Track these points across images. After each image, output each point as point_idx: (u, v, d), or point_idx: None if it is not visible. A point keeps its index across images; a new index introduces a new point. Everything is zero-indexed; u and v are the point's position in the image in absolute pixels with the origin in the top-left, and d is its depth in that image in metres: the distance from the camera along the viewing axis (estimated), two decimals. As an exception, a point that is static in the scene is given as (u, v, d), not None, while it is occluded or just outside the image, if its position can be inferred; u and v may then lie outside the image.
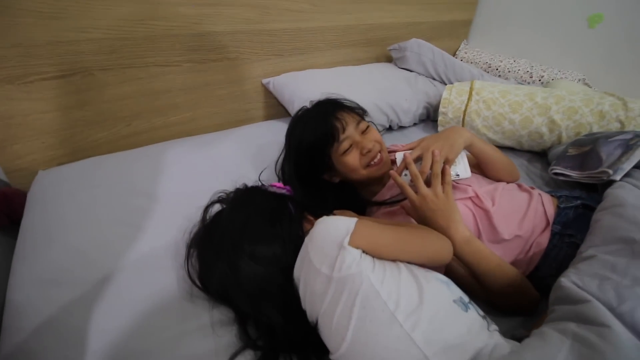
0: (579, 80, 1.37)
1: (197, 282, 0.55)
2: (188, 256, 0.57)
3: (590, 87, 1.35)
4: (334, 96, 0.74)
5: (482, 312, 0.45)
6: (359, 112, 0.72)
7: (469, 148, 0.69)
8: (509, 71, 1.52)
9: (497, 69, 1.55)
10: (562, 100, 0.94)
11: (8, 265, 0.80)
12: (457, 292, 0.45)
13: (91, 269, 0.57)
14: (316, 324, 0.45)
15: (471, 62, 1.64)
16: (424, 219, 0.56)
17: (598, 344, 0.32)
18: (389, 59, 1.39)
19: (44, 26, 0.73)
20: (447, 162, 0.61)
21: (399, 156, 0.65)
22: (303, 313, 0.48)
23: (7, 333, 0.50)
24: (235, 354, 0.47)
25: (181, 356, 0.46)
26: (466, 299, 0.45)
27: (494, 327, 0.42)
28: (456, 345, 0.37)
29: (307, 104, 0.76)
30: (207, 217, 0.59)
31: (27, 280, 0.55)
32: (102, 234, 0.64)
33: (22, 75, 0.75)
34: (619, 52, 1.29)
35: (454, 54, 1.73)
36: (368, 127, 0.70)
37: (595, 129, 0.90)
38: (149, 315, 0.51)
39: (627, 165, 0.64)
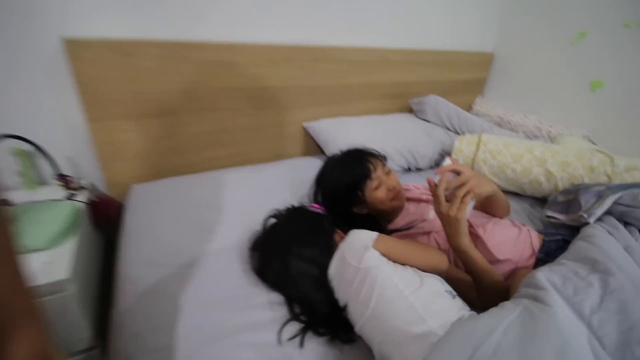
0: (584, 136, 1.55)
1: (260, 277, 0.75)
2: (250, 253, 0.78)
3: (595, 144, 1.53)
4: (360, 146, 0.96)
5: (465, 304, 0.62)
6: (381, 159, 0.94)
7: (490, 196, 0.85)
8: (520, 125, 1.72)
9: (509, 123, 1.76)
10: (557, 155, 1.13)
11: (102, 253, 1.04)
12: (448, 287, 0.63)
13: (179, 256, 0.79)
14: (346, 305, 0.64)
15: (485, 115, 1.86)
16: (443, 222, 0.73)
17: (538, 315, 0.49)
18: (411, 110, 1.64)
19: (153, 79, 1.02)
20: (473, 192, 0.77)
21: (447, 161, 0.77)
22: (332, 298, 0.67)
23: (122, 297, 0.71)
24: (286, 323, 0.66)
25: (249, 322, 0.66)
26: (454, 293, 0.62)
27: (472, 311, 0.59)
28: (444, 312, 0.55)
29: (339, 149, 0.99)
30: (266, 226, 0.81)
31: (134, 261, 0.78)
32: (184, 233, 0.86)
33: (133, 113, 1.03)
34: (618, 114, 1.48)
35: (470, 107, 1.97)
36: (390, 170, 0.92)
37: (587, 180, 1.08)
38: (224, 291, 0.71)
39: (599, 211, 0.81)
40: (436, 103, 1.51)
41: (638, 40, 1.38)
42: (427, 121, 1.55)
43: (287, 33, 1.22)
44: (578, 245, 0.69)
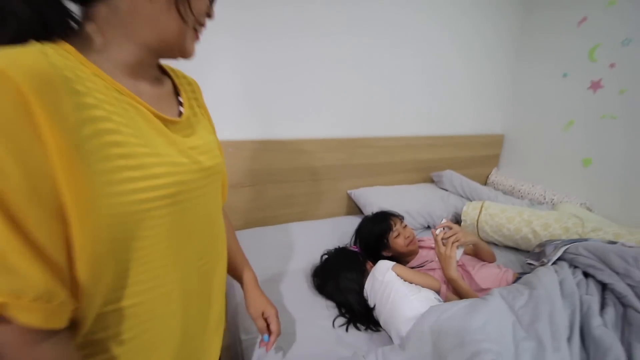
0: (581, 204, 1.89)
1: (319, 291, 1.22)
2: (313, 278, 1.26)
3: (591, 210, 1.86)
4: (386, 209, 1.45)
5: None
6: (401, 218, 1.41)
7: (474, 245, 1.30)
8: (528, 193, 2.10)
9: (519, 191, 2.15)
10: (541, 218, 1.52)
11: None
12: (438, 297, 1.04)
13: (264, 275, 1.28)
14: (374, 306, 1.07)
15: (500, 184, 2.27)
16: (439, 259, 1.16)
17: (481, 303, 0.90)
18: (432, 181, 2.11)
19: (250, 163, 1.62)
20: (460, 241, 1.20)
21: (444, 221, 1.22)
22: (366, 304, 1.10)
23: (232, 296, 1.20)
24: (336, 317, 1.10)
25: (314, 315, 1.11)
26: (441, 300, 1.03)
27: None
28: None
29: (372, 211, 1.48)
30: (322, 260, 1.29)
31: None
32: (266, 262, 1.36)
33: (236, 184, 1.62)
34: (607, 185, 1.83)
35: (487, 177, 2.39)
36: (406, 225, 1.38)
37: (564, 237, 1.44)
38: (297, 298, 1.18)
39: (553, 258, 1.19)
40: (451, 176, 1.98)
41: (613, 128, 1.79)
42: (445, 190, 2.00)
43: (336, 130, 1.81)
44: (527, 276, 1.08)
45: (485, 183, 2.42)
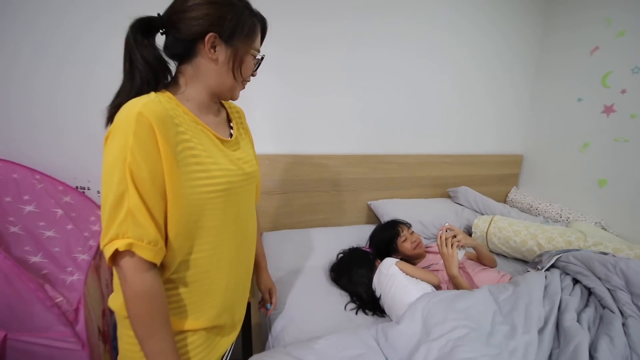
0: (596, 223, 1.97)
1: (335, 283, 1.44)
2: (330, 272, 1.48)
3: (606, 229, 1.94)
4: (397, 218, 1.66)
5: None
6: (408, 225, 1.61)
7: (474, 247, 1.47)
8: (545, 211, 2.20)
9: (536, 209, 2.25)
10: (546, 232, 1.65)
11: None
12: (434, 290, 1.23)
13: (289, 267, 1.53)
14: (380, 296, 1.28)
15: (518, 202, 2.38)
16: (443, 257, 1.35)
17: (468, 293, 1.08)
18: (448, 195, 2.28)
19: (282, 173, 1.90)
20: (460, 242, 1.39)
21: (447, 224, 1.43)
22: (374, 294, 1.31)
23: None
24: (348, 303, 1.32)
25: (331, 300, 1.34)
26: (436, 290, 1.22)
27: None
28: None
29: (384, 221, 1.70)
30: (338, 257, 1.52)
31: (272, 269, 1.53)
32: (291, 258, 1.61)
33: (269, 191, 1.90)
34: (621, 205, 1.90)
35: (506, 196, 2.51)
36: (413, 231, 1.58)
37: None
38: (316, 287, 1.41)
39: (547, 265, 1.34)
40: (466, 192, 2.14)
41: (626, 151, 1.88)
42: (460, 205, 2.16)
43: (357, 146, 2.06)
44: (517, 277, 1.25)
45: (504, 201, 2.53)
